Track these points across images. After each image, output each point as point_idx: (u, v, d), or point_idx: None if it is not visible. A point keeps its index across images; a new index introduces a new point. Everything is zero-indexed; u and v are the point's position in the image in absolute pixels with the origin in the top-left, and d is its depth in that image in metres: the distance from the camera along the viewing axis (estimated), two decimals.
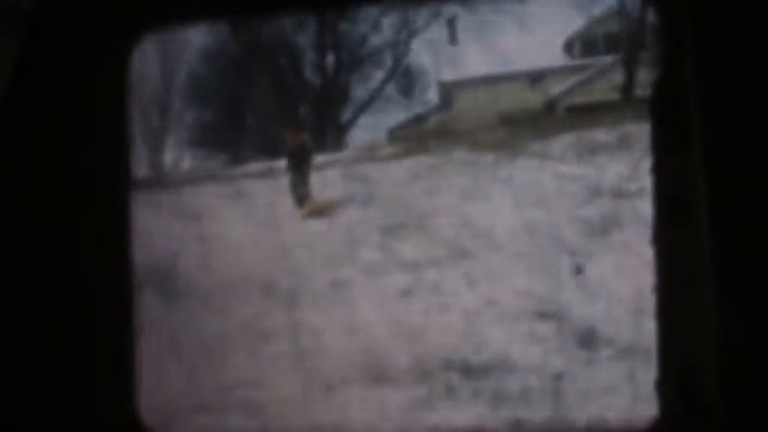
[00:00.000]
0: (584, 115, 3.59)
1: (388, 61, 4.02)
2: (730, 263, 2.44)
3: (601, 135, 3.44)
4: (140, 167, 4.19)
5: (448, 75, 3.84)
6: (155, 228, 3.60)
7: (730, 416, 2.43)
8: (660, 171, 2.66)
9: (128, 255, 3.37)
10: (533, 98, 3.67)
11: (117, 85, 3.32)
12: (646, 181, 3.39)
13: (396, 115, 3.96)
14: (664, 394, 2.59)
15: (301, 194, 3.77)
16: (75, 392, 3.24)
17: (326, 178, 3.76)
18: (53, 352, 3.26)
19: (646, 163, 3.48)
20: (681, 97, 2.61)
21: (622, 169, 3.35)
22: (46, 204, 3.36)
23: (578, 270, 3.26)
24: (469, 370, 3.33)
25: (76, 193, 3.34)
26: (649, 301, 3.25)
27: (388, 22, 4.62)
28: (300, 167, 3.81)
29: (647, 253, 3.37)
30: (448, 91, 3.88)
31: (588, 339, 3.21)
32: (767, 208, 2.43)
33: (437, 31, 4.30)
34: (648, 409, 3.16)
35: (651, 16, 3.49)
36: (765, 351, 2.41)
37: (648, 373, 3.09)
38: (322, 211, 3.69)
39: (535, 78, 3.71)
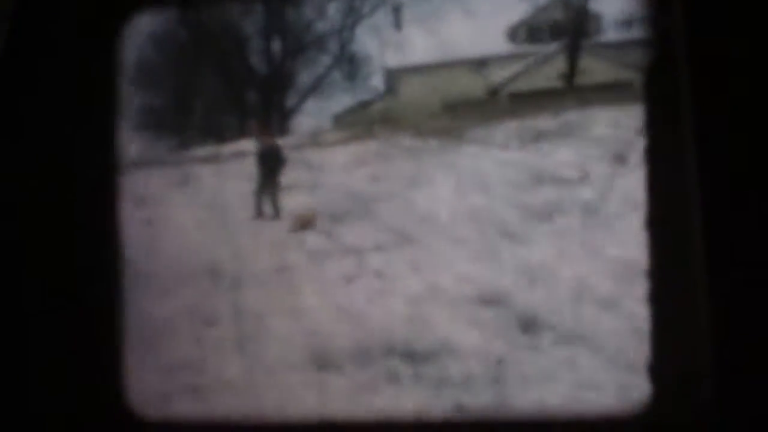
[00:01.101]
0: (527, 102, 3.50)
1: (334, 47, 3.91)
2: (724, 248, 2.37)
3: (544, 122, 3.36)
4: None
5: (393, 61, 3.74)
6: None
7: (722, 401, 2.36)
8: (652, 158, 2.59)
9: (117, 242, 3.23)
10: (477, 85, 3.58)
11: (106, 66, 3.18)
12: (588, 167, 3.34)
13: (341, 101, 3.85)
14: (656, 379, 2.52)
15: (270, 203, 3.62)
16: (63, 381, 3.09)
17: None
18: (43, 343, 3.10)
19: (588, 150, 3.43)
20: (672, 80, 2.54)
21: (564, 156, 3.27)
22: (35, 189, 3.22)
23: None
24: (412, 356, 3.24)
25: (66, 177, 3.21)
26: (589, 287, 3.20)
27: (334, 8, 4.52)
28: (271, 174, 3.65)
29: (588, 238, 3.31)
30: (393, 78, 3.78)
31: (530, 325, 3.13)
32: (761, 195, 2.36)
33: (382, 18, 4.21)
34: (588, 395, 3.10)
35: (593, 5, 3.41)
36: (758, 337, 2.34)
37: (589, 359, 3.04)
38: (308, 223, 3.54)
39: (479, 65, 3.62)
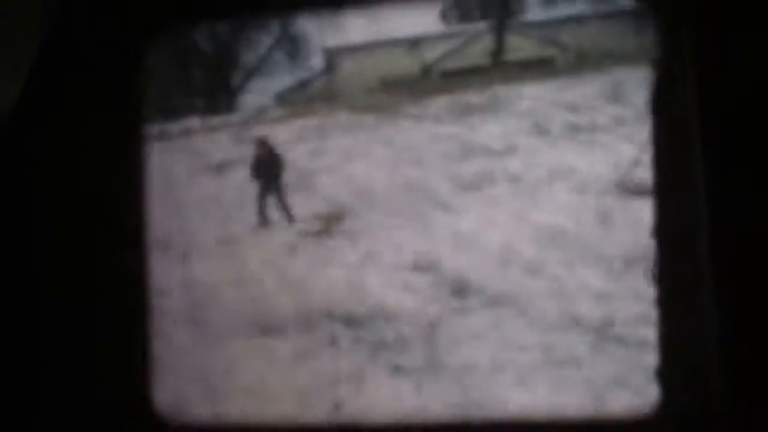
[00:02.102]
0: (458, 78, 3.57)
1: (276, 28, 3.94)
2: (731, 253, 2.42)
3: (473, 97, 3.42)
4: None
5: (332, 42, 3.78)
6: None
7: (732, 404, 2.41)
8: (660, 165, 2.63)
9: (143, 247, 3.23)
10: (411, 63, 3.64)
11: (131, 84, 3.18)
12: (515, 139, 3.41)
13: (283, 80, 3.89)
14: (666, 383, 2.57)
15: (278, 207, 3.56)
16: (87, 378, 3.09)
17: (217, 141, 3.68)
18: (67, 341, 3.09)
19: (514, 123, 3.49)
20: (680, 91, 2.57)
21: (492, 129, 3.34)
22: (61, 199, 3.21)
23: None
24: (350, 321, 3.30)
25: (91, 189, 3.20)
26: (515, 252, 3.28)
27: None
28: (274, 179, 3.59)
29: (515, 206, 3.39)
30: (332, 57, 3.83)
31: (460, 289, 3.21)
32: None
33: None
34: (513, 354, 3.19)
35: None
36: (766, 340, 2.38)
37: (514, 321, 3.12)
38: (335, 222, 3.47)
39: (414, 44, 3.67)
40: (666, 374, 2.54)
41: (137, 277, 3.08)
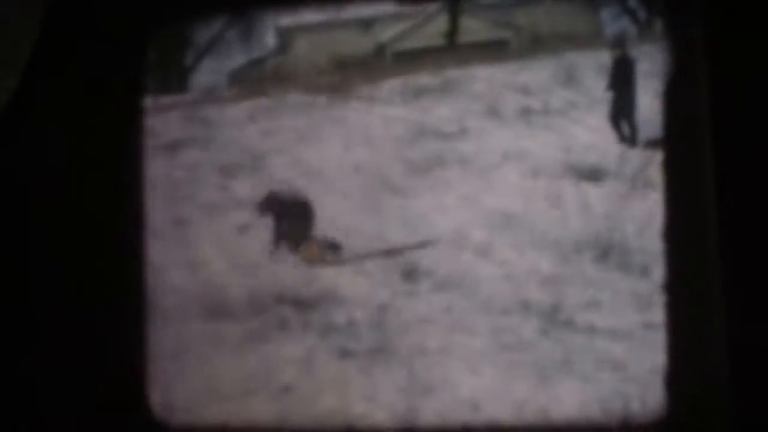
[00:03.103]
0: (411, 59, 3.47)
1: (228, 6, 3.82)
2: (740, 258, 2.34)
3: (426, 79, 3.33)
4: None
5: (285, 20, 3.66)
6: None
7: (740, 410, 2.35)
8: (670, 172, 2.55)
9: (142, 265, 3.12)
10: (364, 44, 3.54)
11: (130, 82, 3.05)
12: (467, 122, 3.32)
13: (236, 59, 3.77)
14: (673, 388, 2.50)
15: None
16: (84, 386, 2.97)
17: (168, 121, 3.55)
18: (62, 344, 2.97)
19: (466, 105, 3.40)
20: (691, 94, 2.49)
21: (444, 111, 3.25)
22: (56, 195, 3.07)
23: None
24: (300, 303, 3.21)
25: (88, 185, 3.08)
26: (465, 236, 3.19)
27: None
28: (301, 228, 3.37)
29: (466, 190, 3.31)
30: (285, 36, 3.71)
31: (410, 272, 3.13)
32: None
33: None
34: (461, 337, 3.11)
35: None
36: None
37: (464, 304, 3.04)
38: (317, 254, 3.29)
39: (367, 24, 3.57)
40: (673, 378, 2.49)
41: (133, 273, 3.02)
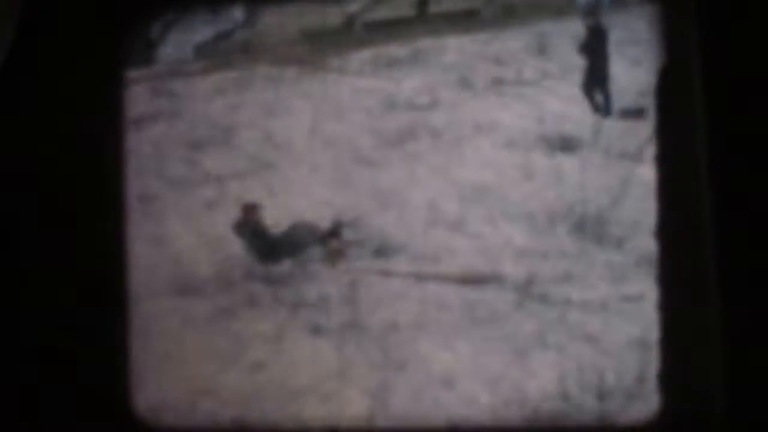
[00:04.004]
0: (381, 31, 3.35)
1: None
2: (735, 255, 2.26)
3: (396, 50, 3.22)
4: None
5: None
6: None
7: (733, 412, 2.27)
8: (663, 165, 2.47)
9: (123, 259, 3.01)
10: (334, 15, 3.41)
11: (112, 76, 2.93)
12: (438, 93, 3.21)
13: (203, 32, 3.63)
14: (667, 387, 2.42)
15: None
16: (65, 381, 2.84)
17: (134, 95, 3.42)
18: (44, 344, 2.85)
19: (437, 76, 3.29)
20: (685, 86, 2.40)
21: (415, 83, 3.14)
22: (38, 191, 2.95)
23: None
24: (270, 279, 3.10)
25: (71, 182, 2.96)
26: (438, 209, 3.09)
27: None
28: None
29: (437, 162, 3.20)
30: (253, 8, 3.58)
31: (382, 247, 3.02)
32: None
33: None
34: (434, 313, 3.02)
35: None
36: None
37: (436, 279, 2.95)
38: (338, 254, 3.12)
39: None
40: (667, 378, 2.43)
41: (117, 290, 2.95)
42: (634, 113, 2.84)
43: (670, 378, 2.48)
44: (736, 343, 2.33)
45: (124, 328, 2.98)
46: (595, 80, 2.96)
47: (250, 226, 3.25)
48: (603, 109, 2.90)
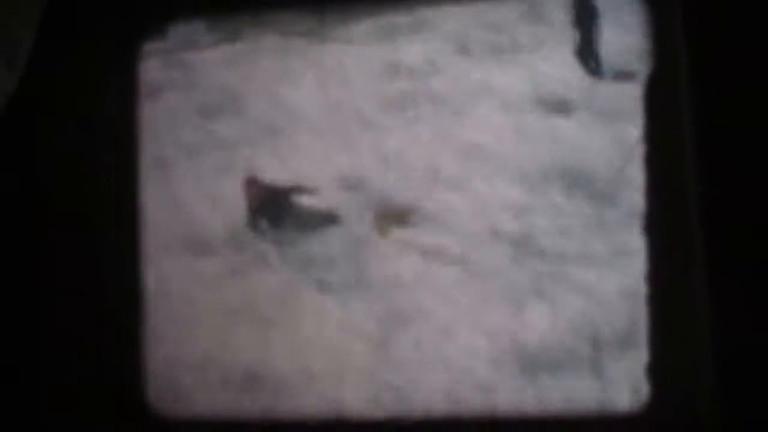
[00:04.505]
0: (383, 1, 3.43)
1: None
2: (723, 250, 2.32)
3: (399, 18, 3.29)
4: None
5: None
6: None
7: (723, 402, 2.33)
8: (652, 161, 2.53)
9: (138, 253, 3.08)
10: None
11: (126, 83, 3.00)
12: (439, 60, 3.28)
13: (214, 4, 3.72)
14: (656, 381, 2.48)
15: None
16: (78, 374, 2.92)
17: (149, 66, 3.51)
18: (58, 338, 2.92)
19: (438, 44, 3.36)
20: (673, 85, 2.45)
21: (417, 50, 3.22)
22: (57, 198, 3.03)
23: None
24: (278, 239, 3.20)
25: (90, 187, 3.04)
26: (439, 170, 3.17)
27: None
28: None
29: (437, 125, 3.28)
30: None
31: (385, 206, 3.10)
32: (762, 197, 2.30)
33: None
34: (435, 266, 3.10)
35: None
36: (759, 338, 2.29)
37: (436, 236, 3.03)
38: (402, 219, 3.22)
39: None
40: (656, 372, 2.48)
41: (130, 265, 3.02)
42: (626, 76, 2.91)
43: (660, 371, 2.52)
44: (725, 337, 2.36)
45: (138, 321, 3.04)
46: (588, 45, 3.03)
47: (254, 198, 3.33)
48: (595, 72, 2.98)
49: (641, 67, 2.89)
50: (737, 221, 2.30)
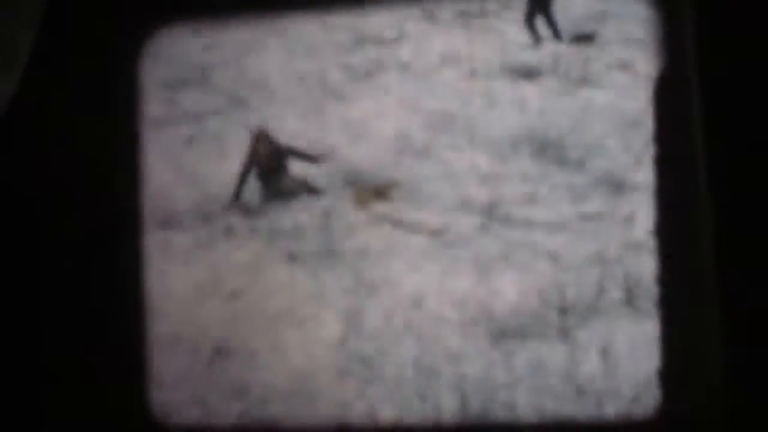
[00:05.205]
0: None
1: None
2: (734, 253, 2.26)
3: None
4: None
5: None
6: None
7: (733, 406, 2.28)
8: (662, 166, 2.47)
9: (140, 284, 3.01)
10: None
11: (129, 81, 2.93)
12: (405, 27, 3.22)
13: None
14: (667, 385, 2.43)
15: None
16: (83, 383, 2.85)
17: None
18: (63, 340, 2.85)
19: (404, 11, 3.30)
20: (683, 87, 2.39)
21: (383, 17, 3.17)
22: (57, 196, 2.96)
23: None
24: (246, 210, 3.15)
25: (88, 185, 2.97)
26: (407, 138, 3.13)
27: None
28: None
29: (405, 93, 3.23)
30: None
31: (353, 177, 3.06)
32: None
33: None
34: (402, 237, 3.07)
35: None
36: None
37: (405, 203, 2.99)
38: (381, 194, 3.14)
39: None
40: (667, 376, 2.45)
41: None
42: (585, 38, 2.87)
43: (672, 376, 2.49)
44: (737, 341, 2.33)
45: (141, 332, 3.00)
46: (540, 10, 2.97)
47: (261, 154, 3.24)
48: (555, 35, 2.92)
49: (599, 28, 2.86)
50: (748, 222, 2.28)
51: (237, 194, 3.20)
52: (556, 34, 2.82)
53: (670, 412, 2.44)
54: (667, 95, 2.48)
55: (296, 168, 3.14)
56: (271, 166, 3.16)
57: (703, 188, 2.34)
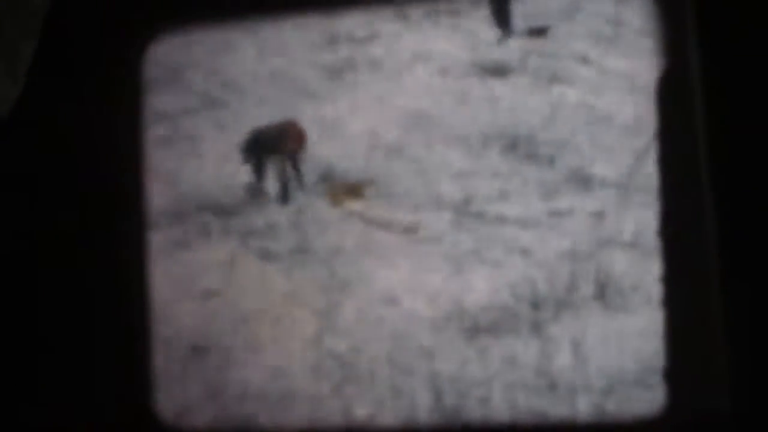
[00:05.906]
0: None
1: None
2: (738, 251, 2.25)
3: None
4: None
5: None
6: None
7: (739, 407, 2.27)
8: (665, 165, 2.45)
9: (142, 252, 2.99)
10: None
11: (132, 84, 2.92)
12: (377, 26, 3.21)
13: None
14: (672, 385, 2.42)
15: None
16: (86, 381, 2.83)
17: None
18: (64, 343, 2.84)
19: (376, 10, 3.28)
20: (686, 85, 2.38)
21: (355, 17, 3.15)
22: (61, 202, 2.94)
23: None
24: (220, 210, 3.13)
25: (94, 188, 2.95)
26: (378, 136, 3.12)
27: None
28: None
29: (377, 91, 3.22)
30: None
31: (326, 174, 3.05)
32: None
33: None
34: (377, 235, 3.05)
35: None
36: None
37: (378, 201, 2.98)
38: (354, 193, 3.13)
39: None
40: (672, 376, 2.44)
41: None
42: (538, 32, 2.87)
43: (675, 375, 2.49)
44: (740, 341, 2.33)
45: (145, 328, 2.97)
46: (499, 5, 2.97)
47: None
48: (507, 31, 2.92)
49: (568, 24, 2.86)
50: (752, 222, 2.28)
51: (285, 194, 3.12)
52: (508, 28, 2.81)
53: (674, 413, 2.44)
54: (669, 94, 2.49)
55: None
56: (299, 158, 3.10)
57: (707, 188, 2.33)
